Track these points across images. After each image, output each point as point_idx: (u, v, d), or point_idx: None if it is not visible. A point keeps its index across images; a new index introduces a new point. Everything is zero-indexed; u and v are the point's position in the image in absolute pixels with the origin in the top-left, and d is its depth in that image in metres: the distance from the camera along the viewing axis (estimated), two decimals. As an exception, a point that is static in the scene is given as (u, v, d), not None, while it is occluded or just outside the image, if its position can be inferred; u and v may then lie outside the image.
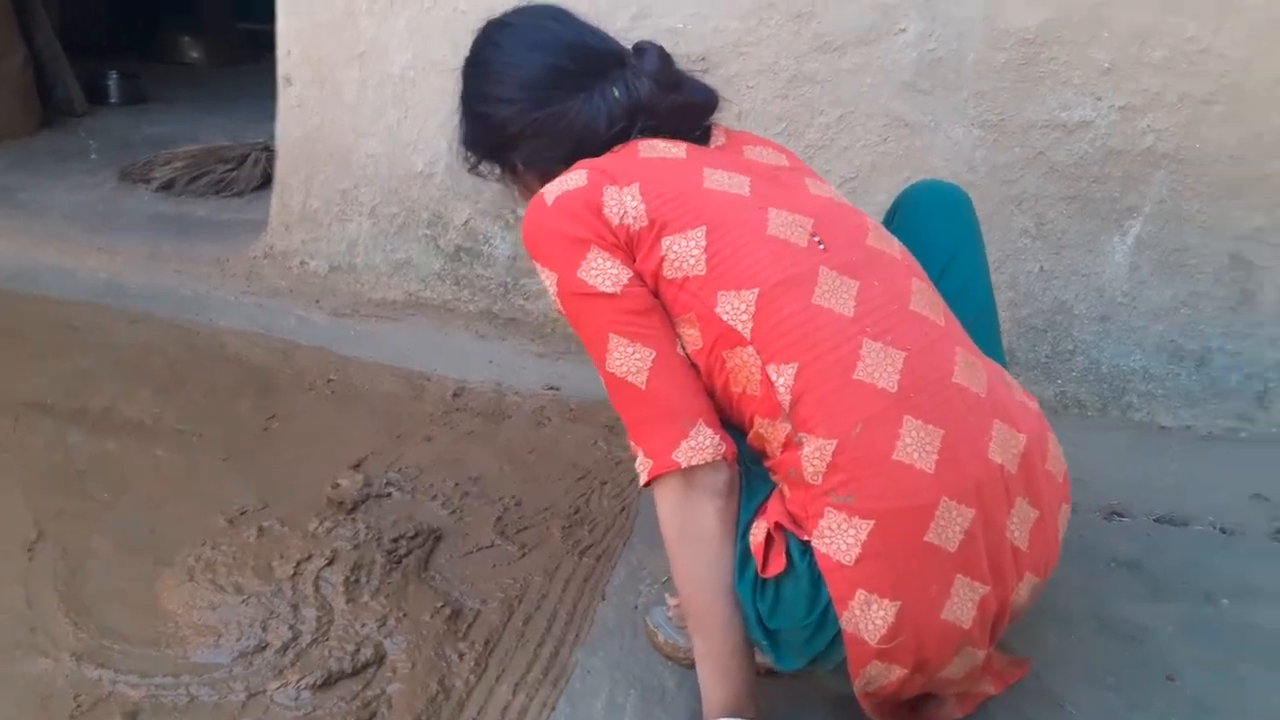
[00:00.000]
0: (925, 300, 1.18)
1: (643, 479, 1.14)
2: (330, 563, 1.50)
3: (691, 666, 1.36)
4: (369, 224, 2.51)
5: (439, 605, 1.45)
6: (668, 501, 1.13)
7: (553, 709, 1.29)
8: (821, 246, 1.16)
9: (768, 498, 1.14)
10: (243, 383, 2.18)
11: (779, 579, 1.09)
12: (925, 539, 1.05)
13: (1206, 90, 1.98)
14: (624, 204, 1.14)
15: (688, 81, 1.32)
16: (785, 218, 1.16)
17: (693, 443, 1.10)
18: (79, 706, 1.23)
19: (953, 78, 2.08)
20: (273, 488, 1.76)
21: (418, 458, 1.91)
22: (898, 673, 1.08)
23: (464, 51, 1.36)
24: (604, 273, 1.13)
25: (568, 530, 1.70)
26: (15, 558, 1.51)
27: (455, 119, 1.39)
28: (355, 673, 1.32)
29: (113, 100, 4.54)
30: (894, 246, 1.24)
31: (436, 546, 1.62)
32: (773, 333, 1.09)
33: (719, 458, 1.11)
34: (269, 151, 3.37)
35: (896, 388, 1.08)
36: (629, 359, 1.12)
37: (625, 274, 1.13)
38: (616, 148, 1.24)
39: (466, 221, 2.41)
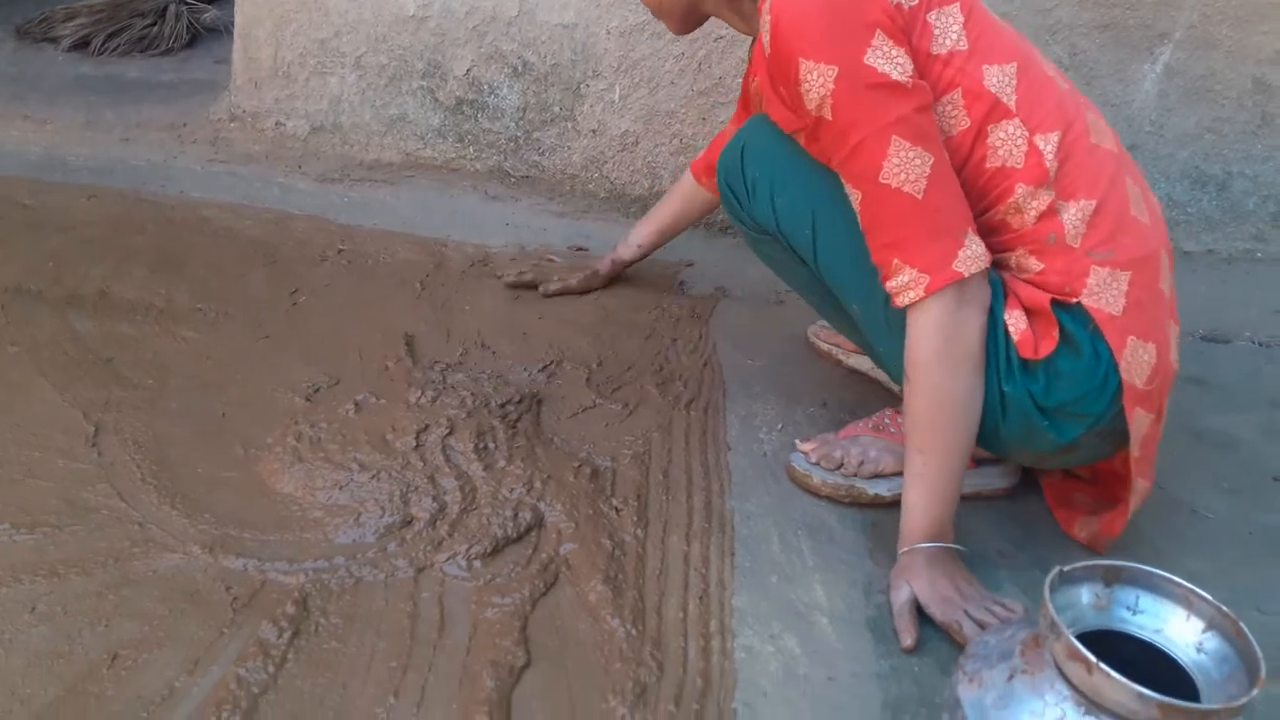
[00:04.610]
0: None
1: (914, 295, 1.10)
2: (451, 432, 1.40)
3: (851, 504, 1.37)
4: (354, 77, 2.27)
5: (576, 465, 1.38)
6: (935, 317, 1.10)
7: (732, 554, 1.26)
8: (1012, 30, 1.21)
9: (1003, 298, 1.15)
10: (245, 257, 1.98)
11: (1051, 355, 1.12)
12: (1159, 286, 1.15)
13: (1239, -89, 1.98)
14: None
15: None
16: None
17: (968, 251, 1.10)
18: (236, 599, 1.11)
19: (991, -100, 2.01)
20: (334, 362, 1.62)
21: (473, 325, 1.79)
22: (1149, 421, 1.16)
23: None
24: (893, 59, 1.07)
25: (662, 387, 1.63)
26: (81, 454, 1.34)
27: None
28: (519, 537, 1.24)
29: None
30: None
31: (540, 409, 1.53)
32: (1031, 104, 1.12)
33: (989, 265, 1.11)
34: (186, 4, 3.02)
35: (1117, 150, 1.17)
36: (909, 165, 1.08)
37: (910, 64, 1.08)
38: None
39: (469, 70, 2.22)
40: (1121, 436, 1.18)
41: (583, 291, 1.90)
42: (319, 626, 1.08)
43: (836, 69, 1.07)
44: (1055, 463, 1.29)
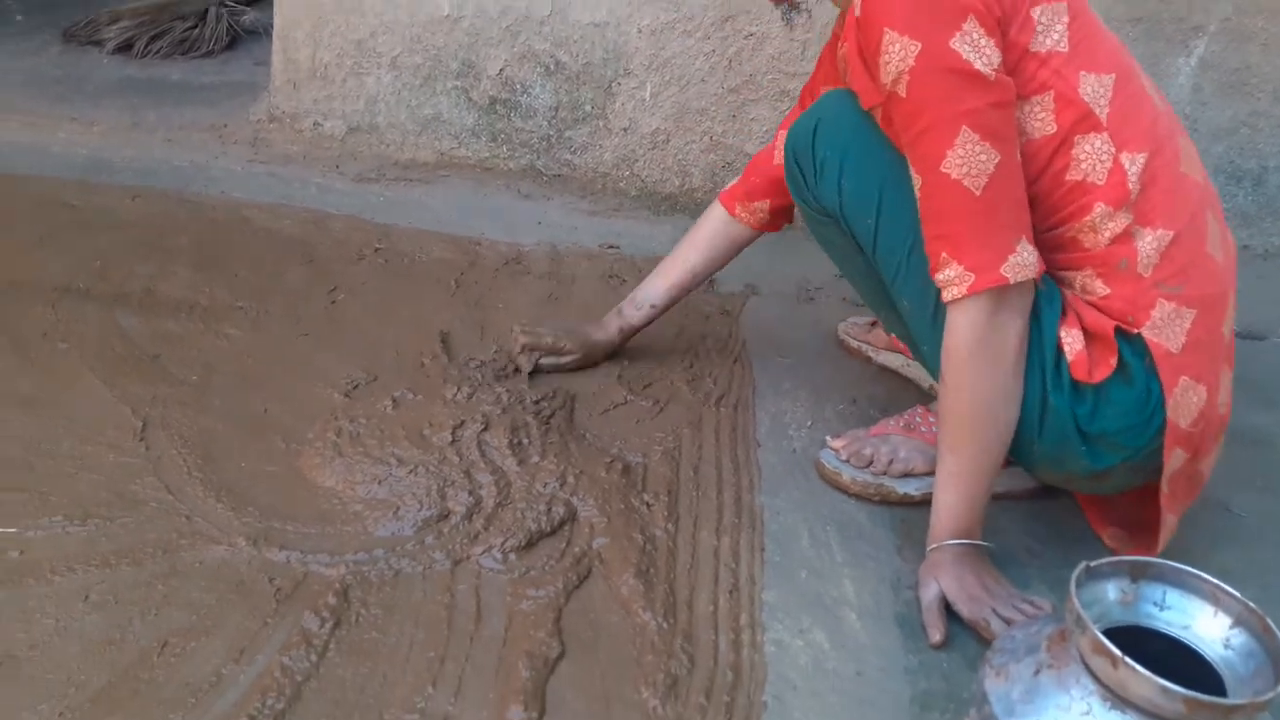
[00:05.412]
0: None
1: (956, 292, 1.09)
2: (486, 427, 1.42)
3: (883, 502, 1.38)
4: (390, 77, 2.31)
5: (608, 461, 1.40)
6: (973, 317, 1.09)
7: (762, 550, 1.28)
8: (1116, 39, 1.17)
9: (1063, 311, 1.13)
10: (284, 256, 2.02)
11: (1104, 382, 1.10)
12: (1221, 328, 1.12)
13: (1277, -98, 1.96)
14: None
15: None
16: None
17: (1018, 258, 1.07)
18: (280, 590, 1.15)
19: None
20: (371, 359, 1.65)
21: (506, 322, 1.81)
22: (1184, 459, 1.13)
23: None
24: (980, 49, 1.04)
25: (692, 384, 1.65)
26: (130, 449, 1.38)
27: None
28: (553, 531, 1.27)
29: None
30: None
31: (573, 406, 1.56)
32: (1123, 119, 1.08)
33: (1037, 276, 1.09)
34: (226, 6, 3.08)
35: (1203, 182, 1.12)
36: (973, 159, 1.05)
37: (997, 57, 1.05)
38: None
39: (502, 70, 2.24)
40: (1154, 471, 1.17)
41: (577, 367, 1.62)
42: (359, 617, 1.12)
43: (919, 45, 1.04)
44: (1082, 486, 1.27)
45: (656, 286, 1.62)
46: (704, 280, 1.64)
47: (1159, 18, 2.05)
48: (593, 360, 1.64)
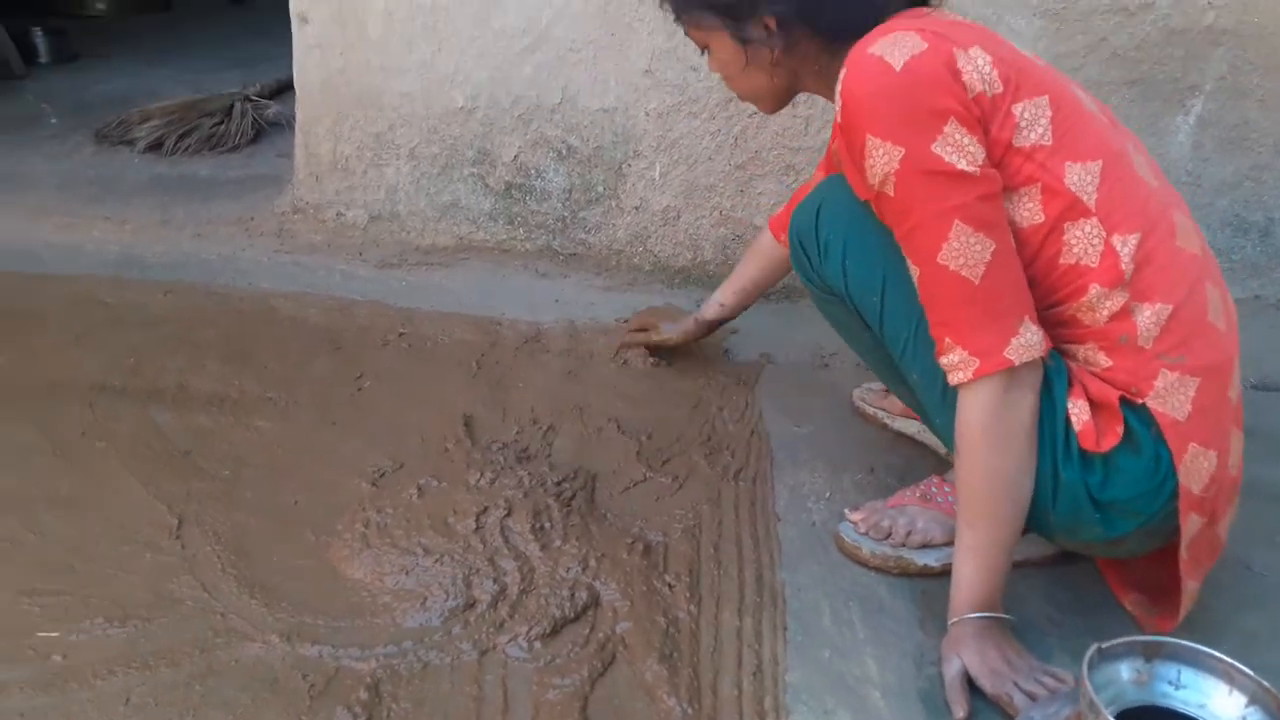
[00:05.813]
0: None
1: (962, 376, 1.12)
2: (509, 513, 1.46)
3: (902, 575, 1.39)
4: (409, 167, 2.39)
5: (629, 541, 1.43)
6: (985, 399, 1.11)
7: (784, 629, 1.29)
8: (1106, 120, 1.19)
9: (1069, 382, 1.15)
10: (311, 345, 2.08)
11: (1112, 451, 1.12)
12: (1227, 393, 1.13)
13: (1263, -36, 2.01)
14: (978, 68, 1.09)
15: None
16: (1085, 93, 1.18)
17: (1022, 340, 1.10)
18: (313, 686, 1.18)
19: (1014, -32, 2.07)
20: (397, 446, 1.70)
21: (528, 401, 1.86)
22: (1199, 525, 1.14)
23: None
24: (962, 149, 1.07)
25: (710, 458, 1.68)
26: (166, 547, 1.43)
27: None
28: (577, 617, 1.29)
29: (43, 60, 4.20)
30: None
31: (594, 485, 1.59)
32: (1113, 203, 1.11)
33: (1044, 354, 1.12)
34: (251, 101, 3.19)
35: (1201, 253, 1.14)
36: (969, 250, 1.08)
37: (981, 153, 1.08)
38: (906, 12, 1.18)
39: (516, 156, 2.32)
40: (1170, 534, 1.17)
41: (659, 342, 1.98)
42: (390, 712, 1.14)
43: (903, 150, 1.06)
44: (1100, 552, 1.28)
45: (725, 291, 1.89)
46: (765, 289, 1.87)
47: (1154, 79, 2.09)
48: (672, 342, 1.97)
